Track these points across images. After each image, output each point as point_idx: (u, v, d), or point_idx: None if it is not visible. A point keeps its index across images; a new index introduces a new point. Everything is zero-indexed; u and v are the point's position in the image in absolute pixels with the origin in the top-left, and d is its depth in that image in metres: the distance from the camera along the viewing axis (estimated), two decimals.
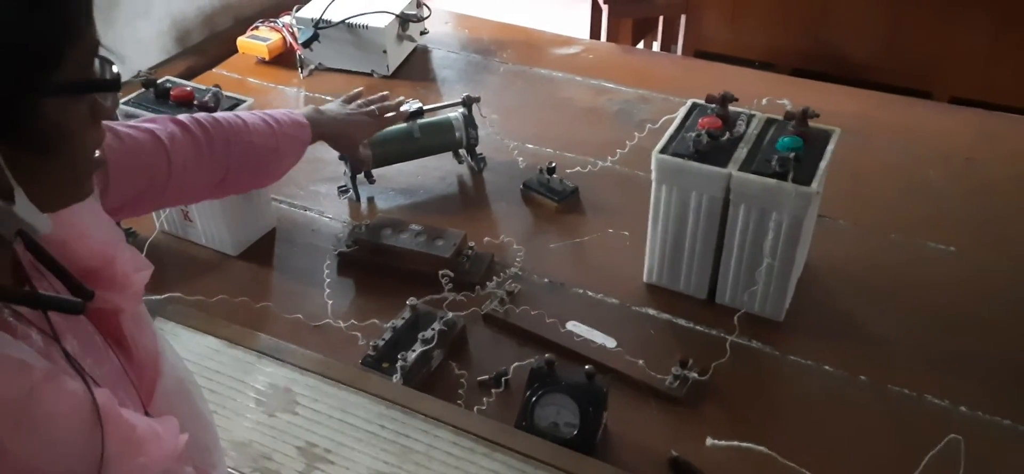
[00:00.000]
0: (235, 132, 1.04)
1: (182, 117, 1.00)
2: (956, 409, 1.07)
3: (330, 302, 1.23)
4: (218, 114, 1.06)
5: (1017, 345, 1.16)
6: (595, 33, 2.61)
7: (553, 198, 1.43)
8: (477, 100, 1.51)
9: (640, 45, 2.70)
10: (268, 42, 1.87)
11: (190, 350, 1.08)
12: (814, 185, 1.08)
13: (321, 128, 1.21)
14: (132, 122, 0.93)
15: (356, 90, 1.35)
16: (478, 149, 1.52)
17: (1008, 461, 1.01)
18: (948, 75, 2.68)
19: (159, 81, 1.30)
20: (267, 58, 1.87)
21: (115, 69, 0.57)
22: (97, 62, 0.56)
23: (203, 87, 1.30)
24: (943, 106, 1.94)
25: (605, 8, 2.46)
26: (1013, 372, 1.12)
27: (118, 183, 0.87)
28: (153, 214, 1.36)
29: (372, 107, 1.31)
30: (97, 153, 0.59)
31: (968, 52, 2.65)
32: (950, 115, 1.73)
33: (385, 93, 1.36)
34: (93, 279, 0.63)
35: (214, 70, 1.86)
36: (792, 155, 1.10)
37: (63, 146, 0.55)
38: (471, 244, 1.30)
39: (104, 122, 0.59)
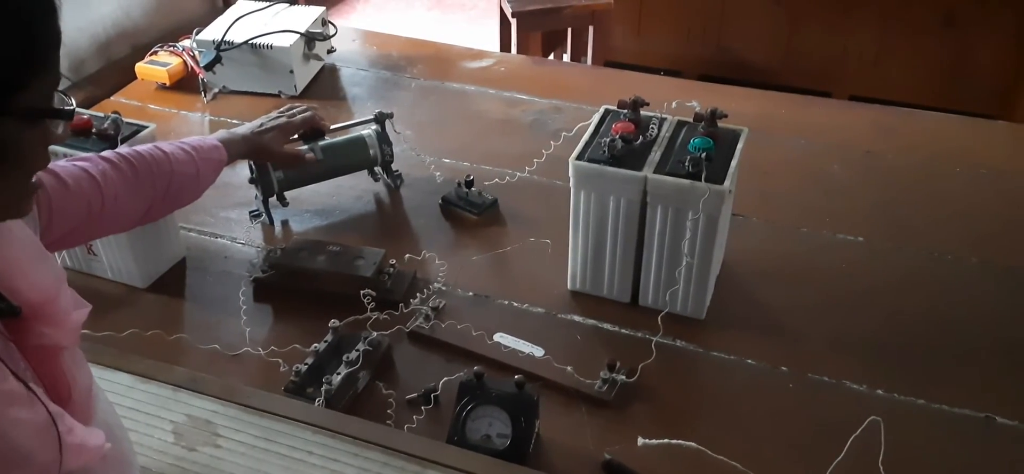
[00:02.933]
0: (158, 163, 1.08)
1: (109, 154, 1.04)
2: (874, 392, 1.11)
3: (248, 330, 1.19)
4: (141, 148, 1.09)
5: (925, 327, 1.21)
6: (505, 47, 2.63)
7: (473, 211, 1.43)
8: (390, 116, 1.50)
9: (550, 57, 2.73)
10: (168, 67, 1.81)
11: (102, 388, 1.03)
12: (727, 183, 1.11)
13: (236, 147, 1.23)
14: (66, 161, 0.99)
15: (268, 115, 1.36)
16: (394, 166, 1.51)
17: (925, 438, 1.05)
18: (844, 76, 2.80)
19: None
20: (168, 83, 1.81)
21: (71, 104, 0.66)
22: (57, 95, 0.63)
23: (102, 115, 1.25)
24: (841, 103, 2.02)
25: (514, 22, 2.48)
26: (924, 353, 1.17)
27: (59, 219, 0.91)
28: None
29: (280, 118, 1.34)
30: (37, 177, 0.65)
31: (860, 53, 2.78)
32: (848, 111, 1.81)
33: (296, 105, 1.38)
34: (34, 315, 0.66)
35: (112, 98, 1.79)
36: (704, 155, 1.13)
37: (14, 163, 0.61)
38: (392, 262, 1.28)
39: (47, 168, 0.66)
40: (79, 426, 0.66)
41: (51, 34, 0.63)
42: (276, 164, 1.38)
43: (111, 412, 0.81)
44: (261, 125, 1.31)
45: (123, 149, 1.07)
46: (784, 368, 1.14)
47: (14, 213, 0.65)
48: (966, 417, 1.07)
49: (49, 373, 0.67)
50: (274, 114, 1.35)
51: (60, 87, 0.64)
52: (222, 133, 1.24)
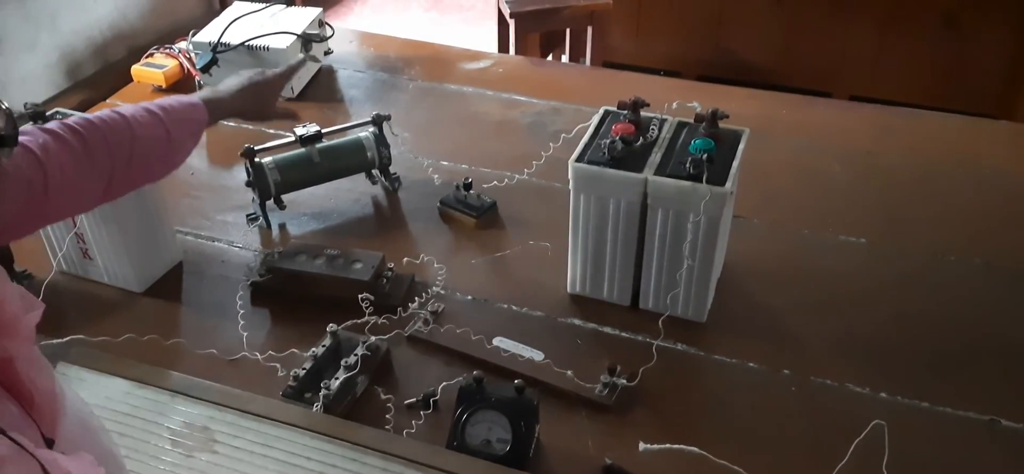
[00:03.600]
0: (114, 130, 0.97)
1: (52, 124, 0.92)
2: (877, 396, 1.10)
3: (245, 334, 1.18)
4: (93, 114, 0.98)
5: (929, 329, 1.21)
6: (503, 48, 2.62)
7: (471, 214, 1.42)
8: (387, 118, 1.48)
9: (549, 58, 2.73)
10: (164, 69, 1.80)
11: (98, 394, 1.02)
12: (728, 185, 1.10)
13: (221, 106, 1.14)
14: None
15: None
16: (392, 168, 1.50)
17: (929, 442, 1.04)
18: (843, 76, 2.80)
19: (48, 112, 1.23)
20: (164, 86, 1.80)
21: (6, 111, 0.58)
22: None
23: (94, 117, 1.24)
24: (842, 103, 2.01)
25: (512, 22, 2.47)
26: (927, 355, 1.16)
27: None
28: (49, 253, 1.28)
29: (261, 75, 1.25)
30: None
31: (858, 54, 2.78)
32: (849, 112, 1.80)
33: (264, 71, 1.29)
34: None
35: (108, 101, 1.78)
36: (705, 156, 1.12)
37: None
38: (390, 265, 1.27)
39: None
40: (64, 460, 0.60)
41: None
42: (267, 121, 1.28)
43: (82, 409, 0.75)
44: (243, 82, 1.21)
45: (72, 118, 0.95)
46: (786, 371, 1.13)
47: None
48: (970, 420, 1.06)
49: (6, 384, 0.62)
50: (250, 73, 1.24)
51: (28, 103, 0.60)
52: (205, 91, 1.15)
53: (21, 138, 0.83)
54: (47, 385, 0.65)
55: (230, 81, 1.21)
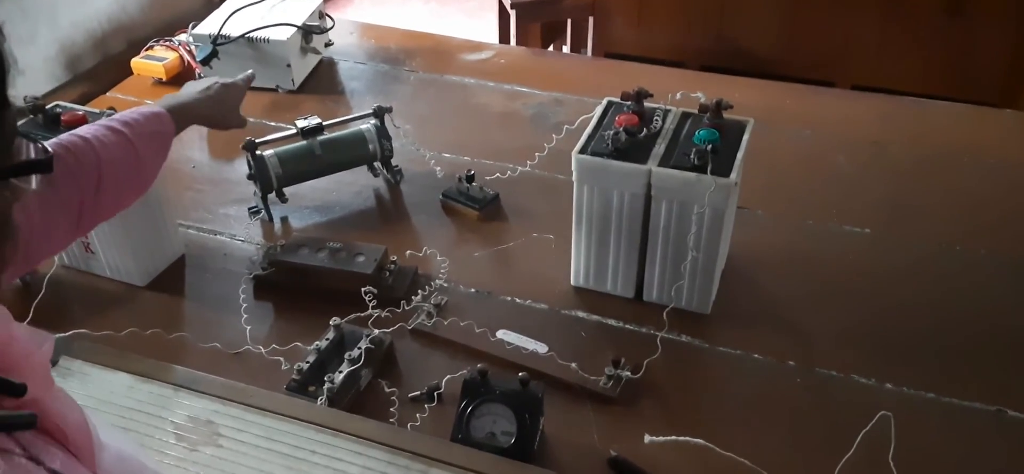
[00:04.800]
0: (78, 157, 0.88)
1: None
2: (882, 386, 1.09)
3: (248, 328, 1.18)
4: (52, 141, 0.89)
5: (934, 319, 1.20)
6: (504, 39, 2.60)
7: (474, 206, 1.41)
8: (389, 110, 1.48)
9: (550, 49, 2.71)
10: (165, 62, 1.79)
11: (101, 388, 1.02)
12: (733, 176, 1.09)
13: (186, 112, 1.10)
14: None
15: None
16: (393, 161, 1.49)
17: (936, 432, 1.04)
18: (846, 65, 2.78)
19: (48, 106, 1.23)
20: (165, 78, 1.79)
21: (41, 145, 0.52)
22: (23, 145, 0.51)
23: (96, 110, 1.23)
24: (846, 93, 2.01)
25: (512, 13, 2.46)
26: (934, 346, 1.15)
27: None
28: None
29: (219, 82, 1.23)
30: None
31: (861, 42, 2.76)
32: (853, 102, 1.79)
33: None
34: None
35: (108, 94, 1.77)
36: (709, 147, 1.11)
37: None
38: (393, 258, 1.27)
39: None
40: None
41: None
42: (228, 129, 1.25)
43: (120, 438, 0.70)
44: (207, 88, 1.19)
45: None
46: (791, 362, 1.13)
47: None
48: (977, 410, 1.06)
49: (40, 427, 0.56)
50: (211, 80, 1.22)
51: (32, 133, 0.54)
52: (166, 99, 1.09)
53: None
54: (77, 417, 0.61)
55: (191, 86, 1.19)
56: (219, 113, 1.20)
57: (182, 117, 1.09)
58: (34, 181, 0.52)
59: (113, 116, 0.99)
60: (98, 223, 0.97)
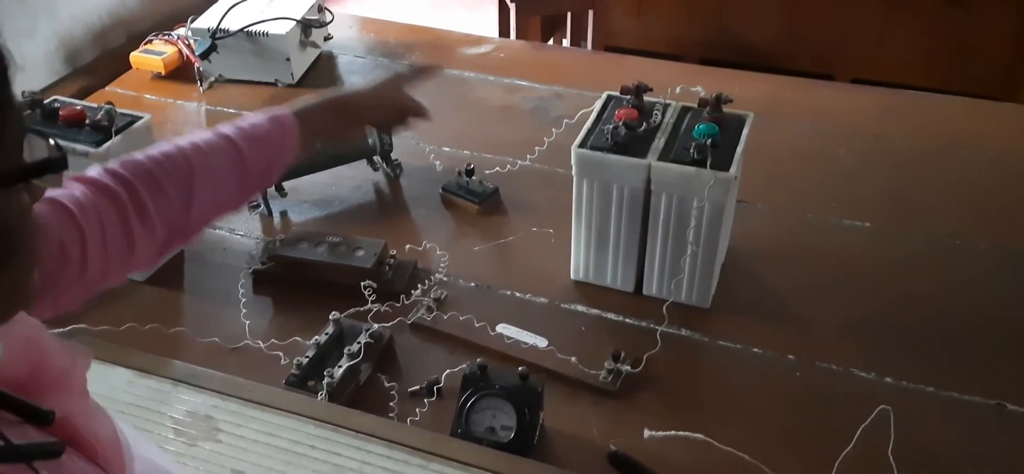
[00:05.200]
0: (170, 172, 0.79)
1: (92, 172, 0.76)
2: (882, 380, 1.09)
3: (247, 322, 1.17)
4: (144, 154, 0.80)
5: (935, 312, 1.20)
6: (504, 32, 2.60)
7: (474, 200, 1.41)
8: None
9: (549, 43, 2.71)
10: (163, 56, 1.79)
11: (100, 383, 1.01)
12: (732, 170, 1.09)
13: (319, 117, 0.93)
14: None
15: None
16: (393, 155, 1.49)
17: (936, 426, 1.04)
18: (846, 57, 2.78)
19: (46, 101, 1.22)
20: (163, 72, 1.79)
21: (52, 142, 0.50)
22: (35, 142, 0.49)
23: (95, 105, 1.23)
24: (846, 86, 2.00)
25: (512, 6, 2.45)
26: (933, 339, 1.15)
27: None
28: None
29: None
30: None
31: (862, 35, 2.76)
32: (854, 94, 1.79)
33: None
34: (25, 393, 0.52)
35: (107, 88, 1.77)
36: (709, 141, 1.11)
37: (7, 246, 0.47)
38: (393, 252, 1.27)
39: None
40: None
41: None
42: (394, 124, 1.04)
43: (153, 449, 0.70)
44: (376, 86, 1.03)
45: (113, 163, 0.78)
46: (791, 356, 1.13)
47: (22, 303, 0.51)
48: (977, 404, 1.06)
49: (68, 440, 0.55)
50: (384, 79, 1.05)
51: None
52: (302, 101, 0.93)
53: (50, 192, 0.69)
54: (108, 432, 0.60)
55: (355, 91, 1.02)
56: (376, 107, 1.01)
57: (314, 119, 0.92)
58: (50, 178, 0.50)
59: (237, 122, 0.87)
60: (188, 241, 0.87)
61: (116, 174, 0.77)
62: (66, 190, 0.73)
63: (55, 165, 0.49)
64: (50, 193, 0.70)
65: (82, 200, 0.73)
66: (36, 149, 0.50)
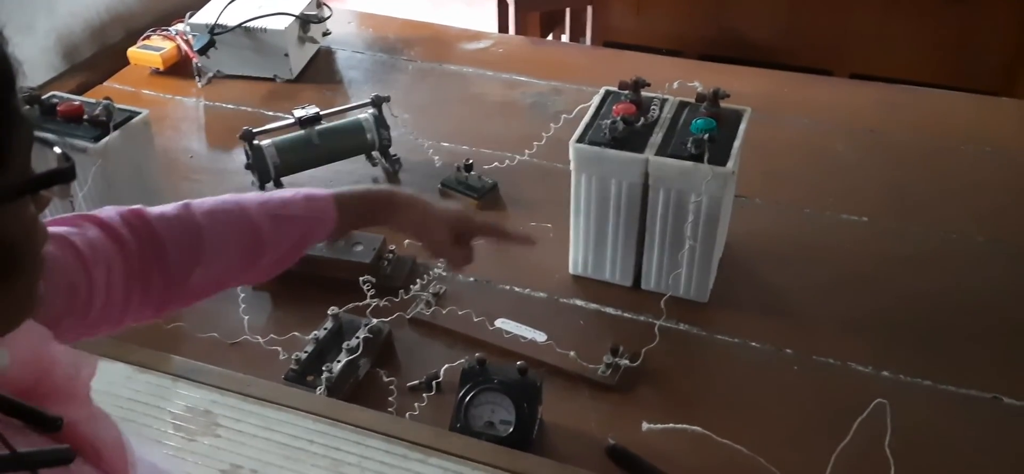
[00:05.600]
0: (184, 233, 0.77)
1: (107, 214, 0.74)
2: (879, 374, 1.09)
3: (246, 318, 1.18)
4: (160, 209, 0.78)
5: (931, 307, 1.20)
6: (503, 28, 2.60)
7: (472, 195, 1.41)
8: (387, 100, 1.48)
9: (549, 38, 2.71)
10: (161, 51, 1.79)
11: (99, 379, 0.99)
12: (730, 165, 1.09)
13: (363, 204, 0.89)
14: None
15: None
16: (392, 150, 1.49)
17: (932, 420, 1.04)
18: (846, 53, 2.77)
19: (44, 96, 1.22)
20: (161, 68, 1.79)
21: (57, 150, 0.50)
22: (43, 152, 0.49)
23: (93, 101, 1.23)
24: (845, 81, 2.01)
25: (511, 2, 2.45)
26: (930, 333, 1.16)
27: None
28: None
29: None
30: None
31: (862, 30, 2.76)
32: (852, 90, 1.79)
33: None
34: (30, 400, 0.52)
35: (105, 84, 1.76)
36: (706, 136, 1.11)
37: (15, 259, 0.47)
38: (391, 247, 1.27)
39: None
40: None
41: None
42: (441, 251, 0.98)
43: (156, 452, 0.71)
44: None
45: (126, 209, 0.75)
46: (789, 350, 1.13)
47: (28, 312, 0.51)
48: (973, 398, 1.06)
49: (72, 444, 0.54)
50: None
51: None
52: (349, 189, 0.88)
53: (57, 229, 0.69)
54: (113, 437, 0.60)
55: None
56: (421, 225, 0.94)
57: (354, 208, 0.87)
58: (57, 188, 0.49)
59: (266, 194, 0.84)
60: (193, 301, 0.82)
61: (130, 225, 0.75)
62: (80, 230, 0.71)
63: (63, 176, 0.49)
64: (64, 230, 0.69)
65: (95, 244, 0.71)
66: (39, 154, 0.50)
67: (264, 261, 0.84)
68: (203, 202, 0.81)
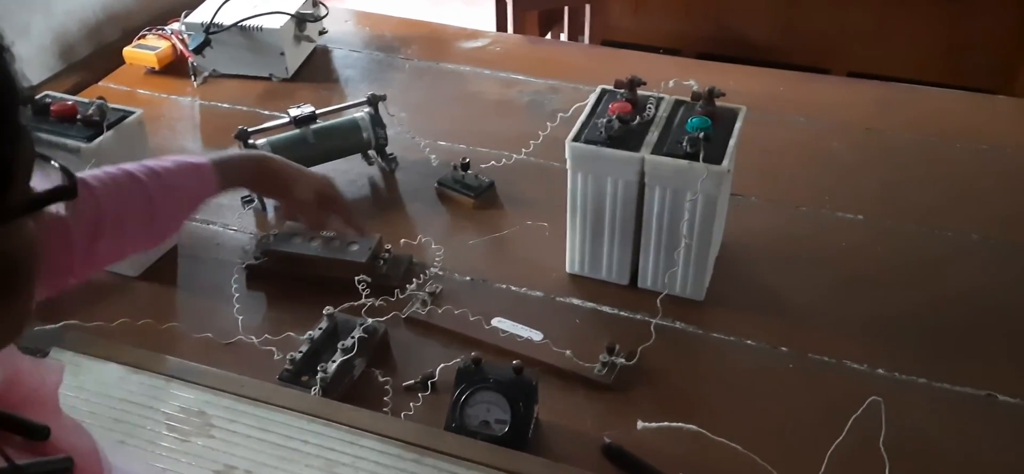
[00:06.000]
0: (82, 204, 0.81)
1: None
2: (874, 372, 1.09)
3: (241, 318, 1.17)
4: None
5: (926, 305, 1.20)
6: (501, 26, 2.59)
7: (469, 194, 1.41)
8: (383, 98, 1.47)
9: (547, 37, 2.70)
10: (157, 51, 1.78)
11: (92, 379, 1.02)
12: (725, 163, 1.09)
13: (269, 172, 0.99)
14: None
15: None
16: (388, 149, 1.49)
17: (927, 417, 1.04)
18: (844, 52, 2.78)
19: (37, 96, 1.22)
20: (157, 68, 1.79)
21: (56, 164, 0.49)
22: (43, 167, 0.49)
23: (86, 100, 1.23)
24: (841, 80, 2.00)
25: (510, 1, 2.45)
26: (924, 332, 1.16)
27: None
28: None
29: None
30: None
31: (860, 30, 2.76)
32: (848, 88, 1.79)
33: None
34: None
35: (100, 83, 1.76)
36: (702, 135, 1.11)
37: (16, 277, 0.47)
38: (387, 247, 1.27)
39: None
40: None
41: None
42: (312, 211, 1.09)
43: (131, 457, 0.70)
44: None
45: None
46: (784, 348, 1.13)
47: (21, 329, 0.51)
48: (967, 395, 1.06)
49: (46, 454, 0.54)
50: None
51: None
52: (236, 153, 0.99)
53: None
54: (87, 446, 0.60)
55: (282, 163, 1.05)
56: (280, 180, 1.04)
57: (229, 169, 0.97)
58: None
59: (150, 162, 0.89)
60: (94, 271, 0.90)
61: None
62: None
63: (66, 193, 0.49)
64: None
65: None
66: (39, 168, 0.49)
67: (156, 226, 0.92)
68: (95, 175, 0.85)
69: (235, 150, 1.00)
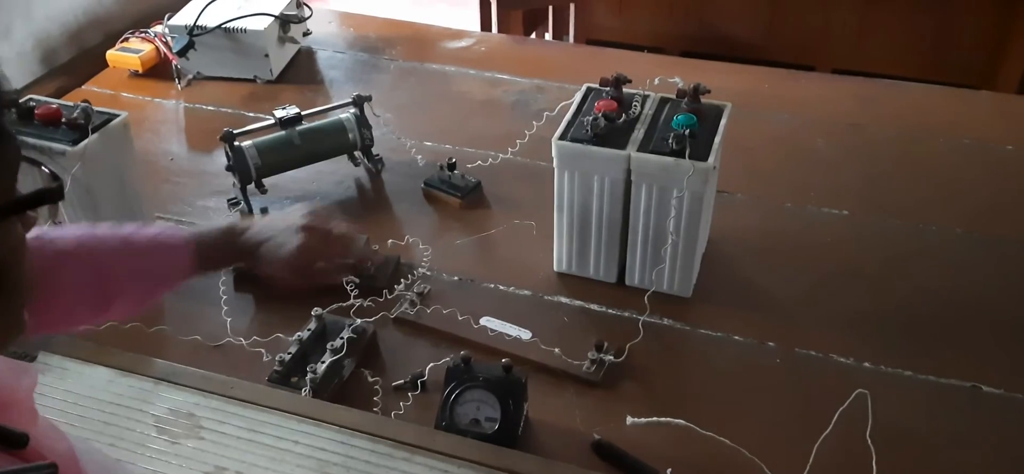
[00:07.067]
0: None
1: None
2: (860, 365, 1.10)
3: (229, 320, 1.17)
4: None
5: (911, 299, 1.21)
6: (486, 26, 2.60)
7: (456, 194, 1.41)
8: (368, 99, 1.47)
9: (531, 36, 2.71)
10: (140, 54, 1.77)
11: (81, 383, 1.01)
12: (711, 160, 1.10)
13: (218, 251, 0.91)
14: None
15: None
16: (374, 150, 1.48)
17: (912, 409, 1.05)
18: (827, 49, 2.79)
19: (21, 100, 1.21)
20: (140, 70, 1.78)
21: (45, 169, 0.49)
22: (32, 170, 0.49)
23: (71, 104, 1.22)
24: (824, 76, 2.01)
25: (494, 1, 2.45)
26: (909, 325, 1.17)
27: None
28: None
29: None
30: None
31: (842, 27, 2.78)
32: (831, 84, 1.80)
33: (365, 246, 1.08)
34: None
35: (84, 87, 1.75)
36: (687, 132, 1.11)
37: (3, 280, 0.47)
38: (375, 248, 1.27)
39: None
40: None
41: None
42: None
43: (108, 459, 0.69)
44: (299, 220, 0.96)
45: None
46: (771, 343, 1.14)
47: (15, 334, 0.51)
48: (952, 387, 1.07)
49: (24, 459, 0.53)
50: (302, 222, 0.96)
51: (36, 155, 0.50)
52: (209, 228, 0.91)
53: None
54: (65, 449, 0.59)
55: (270, 220, 0.97)
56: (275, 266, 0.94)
57: (210, 252, 0.90)
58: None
59: (132, 230, 0.83)
60: (46, 333, 0.86)
61: None
62: None
63: (51, 196, 0.48)
64: None
65: None
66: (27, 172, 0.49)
67: (113, 312, 0.87)
68: (53, 233, 0.79)
69: (223, 228, 0.94)
